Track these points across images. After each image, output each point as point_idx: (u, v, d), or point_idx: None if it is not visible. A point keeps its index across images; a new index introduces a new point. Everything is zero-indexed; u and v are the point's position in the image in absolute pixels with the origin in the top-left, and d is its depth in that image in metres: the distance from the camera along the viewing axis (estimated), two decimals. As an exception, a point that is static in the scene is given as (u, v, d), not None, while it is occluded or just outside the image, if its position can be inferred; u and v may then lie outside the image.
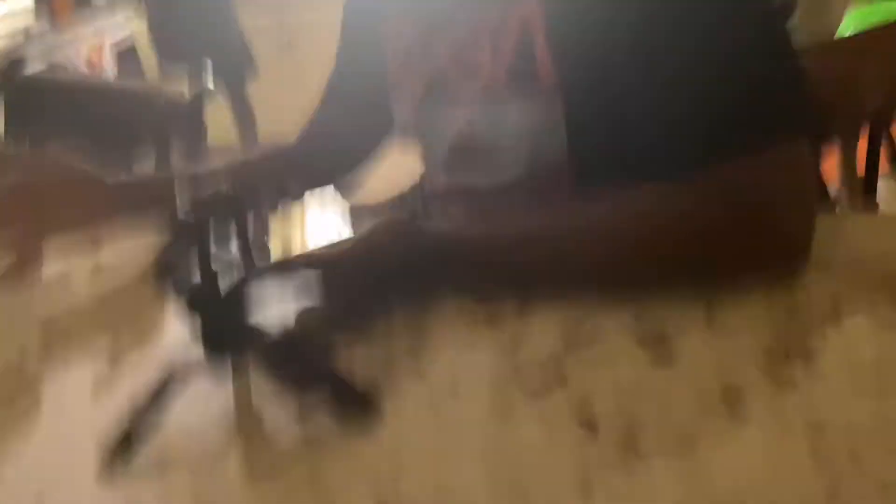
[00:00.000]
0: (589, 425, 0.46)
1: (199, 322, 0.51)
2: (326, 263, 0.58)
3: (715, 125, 0.57)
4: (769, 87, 0.56)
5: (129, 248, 0.78)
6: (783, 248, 0.56)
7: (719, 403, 0.46)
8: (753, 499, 0.40)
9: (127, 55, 3.47)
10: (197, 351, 0.52)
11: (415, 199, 0.93)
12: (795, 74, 0.57)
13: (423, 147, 0.81)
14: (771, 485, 0.40)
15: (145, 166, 1.39)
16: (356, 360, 0.56)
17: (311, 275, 0.56)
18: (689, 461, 0.43)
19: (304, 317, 0.54)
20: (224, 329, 0.50)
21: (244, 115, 3.11)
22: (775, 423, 0.44)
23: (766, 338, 0.51)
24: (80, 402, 0.57)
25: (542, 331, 0.56)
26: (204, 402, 0.54)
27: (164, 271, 0.71)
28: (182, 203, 0.47)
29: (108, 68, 3.25)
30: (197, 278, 0.50)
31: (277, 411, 0.52)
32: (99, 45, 3.23)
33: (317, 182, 0.91)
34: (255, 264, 0.53)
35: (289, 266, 0.59)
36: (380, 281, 0.61)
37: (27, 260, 0.74)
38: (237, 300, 0.50)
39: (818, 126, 0.57)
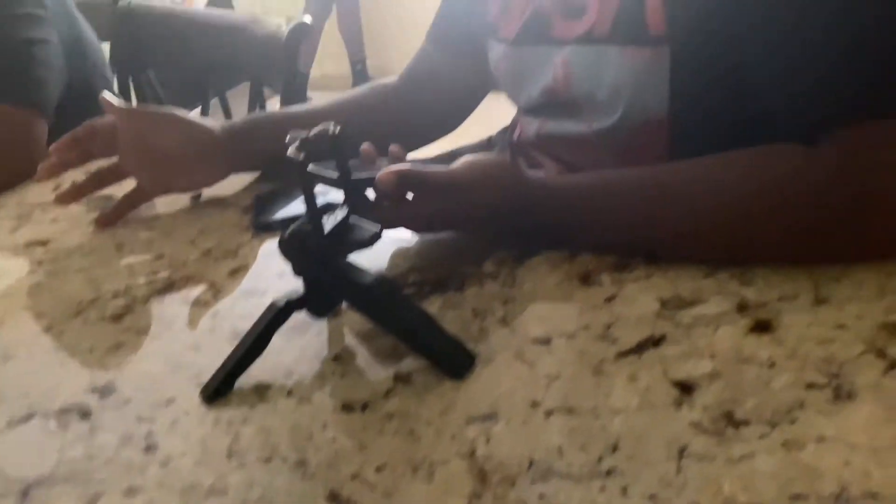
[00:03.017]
0: (683, 388, 0.46)
1: (300, 258, 0.52)
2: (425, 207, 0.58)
3: (855, 83, 0.52)
4: None
5: (227, 185, 0.81)
6: None
7: (821, 377, 0.45)
8: (854, 481, 0.38)
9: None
10: (297, 287, 0.54)
11: (504, 145, 0.92)
12: None
13: (514, 88, 0.79)
14: (873, 467, 0.39)
15: (240, 99, 1.41)
16: (451, 306, 0.57)
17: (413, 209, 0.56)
18: (787, 433, 0.42)
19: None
20: (326, 267, 0.51)
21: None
22: (881, 402, 0.43)
23: (875, 313, 0.49)
24: (184, 326, 0.60)
25: (638, 290, 0.55)
26: (303, 335, 0.56)
27: (267, 208, 0.73)
28: (290, 142, 0.47)
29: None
30: (299, 217, 0.51)
31: (372, 348, 0.53)
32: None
33: (416, 136, 0.91)
34: (358, 205, 0.53)
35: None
36: (476, 225, 0.61)
37: (131, 208, 0.78)
38: (340, 239, 0.50)
39: None
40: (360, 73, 3.98)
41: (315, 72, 3.87)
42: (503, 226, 0.60)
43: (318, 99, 0.92)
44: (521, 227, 0.60)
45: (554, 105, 0.73)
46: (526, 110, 0.80)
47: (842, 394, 0.44)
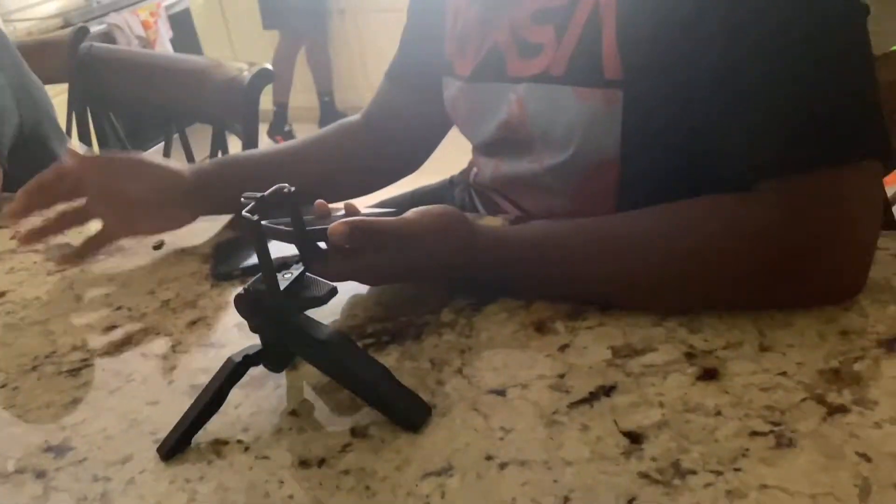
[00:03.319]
0: (633, 438, 0.47)
1: (256, 316, 0.52)
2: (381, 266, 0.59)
3: (800, 131, 0.54)
4: (855, 97, 0.54)
5: (188, 234, 0.81)
6: (847, 267, 0.54)
7: (765, 425, 0.47)
8: (795, 526, 0.40)
9: (181, 18, 3.52)
10: (253, 342, 0.54)
11: (464, 187, 0.93)
12: (874, 88, 0.55)
13: (470, 125, 0.80)
14: (814, 513, 0.40)
15: (202, 134, 1.41)
16: (408, 357, 0.57)
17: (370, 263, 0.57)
18: (732, 482, 0.43)
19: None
20: (281, 324, 0.52)
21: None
22: (820, 449, 0.44)
23: (816, 360, 0.51)
24: (142, 381, 0.60)
25: (591, 338, 0.57)
26: (260, 389, 0.56)
27: (227, 257, 0.74)
28: (245, 202, 0.48)
29: (163, 31, 3.30)
30: (256, 273, 0.51)
31: (330, 402, 0.54)
32: (155, 7, 3.27)
33: (381, 172, 0.92)
34: (313, 259, 0.54)
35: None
36: (429, 276, 0.62)
37: (97, 248, 0.78)
38: (296, 296, 0.51)
39: (891, 143, 0.55)
40: (327, 105, 4.03)
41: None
42: (456, 276, 0.61)
43: (282, 143, 0.93)
44: (474, 278, 0.61)
45: (509, 143, 0.74)
46: (482, 149, 0.81)
47: (783, 441, 0.45)
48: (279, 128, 3.85)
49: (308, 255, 0.53)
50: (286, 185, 0.49)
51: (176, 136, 1.34)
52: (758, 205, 0.55)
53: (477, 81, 0.76)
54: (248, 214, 0.47)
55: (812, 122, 0.54)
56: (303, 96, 4.04)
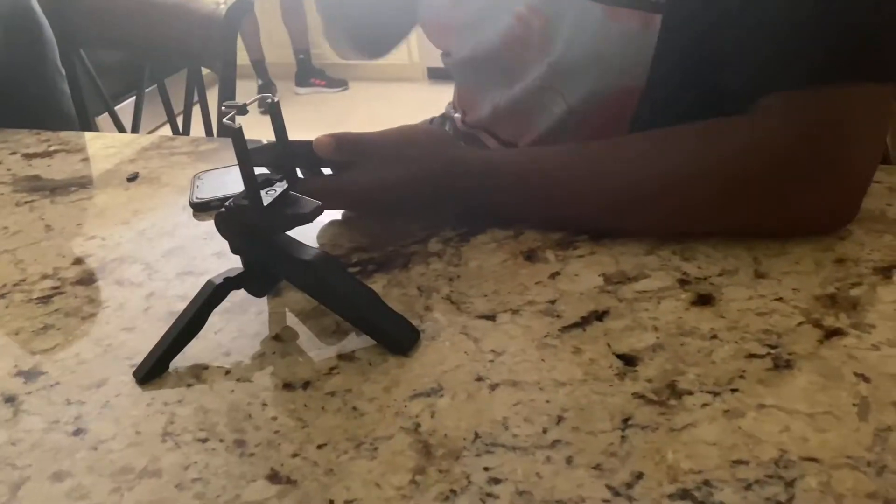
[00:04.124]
0: (627, 360, 0.46)
1: (238, 235, 0.50)
2: (366, 190, 0.56)
3: (812, 46, 0.51)
4: (875, 16, 0.51)
5: (165, 167, 0.78)
6: (843, 190, 0.53)
7: (761, 348, 0.46)
8: (793, 446, 0.39)
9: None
10: (235, 266, 0.52)
11: (447, 126, 0.91)
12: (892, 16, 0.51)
13: (462, 35, 0.73)
14: (814, 433, 0.40)
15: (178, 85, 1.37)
16: (395, 284, 0.56)
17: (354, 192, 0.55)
18: (728, 402, 0.42)
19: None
20: (265, 243, 0.50)
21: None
22: (817, 370, 0.44)
23: (812, 286, 0.50)
24: (117, 308, 0.57)
25: (582, 266, 0.55)
26: (242, 315, 0.54)
27: (205, 187, 0.71)
28: (225, 110, 0.46)
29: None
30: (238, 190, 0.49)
31: (315, 327, 0.52)
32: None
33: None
34: (296, 176, 0.52)
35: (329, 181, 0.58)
36: (420, 204, 0.60)
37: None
38: (279, 213, 0.49)
39: None
40: (303, 62, 3.98)
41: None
42: (441, 196, 0.59)
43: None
44: (463, 201, 0.59)
45: (511, 60, 0.68)
46: (472, 72, 0.75)
47: (780, 363, 0.44)
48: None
49: (291, 171, 0.51)
50: (269, 94, 0.46)
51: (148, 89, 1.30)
52: (760, 118, 0.53)
53: None
54: (229, 122, 0.45)
55: (827, 38, 0.51)
56: (279, 52, 4.01)
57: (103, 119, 1.51)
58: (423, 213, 0.61)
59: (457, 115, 0.86)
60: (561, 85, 0.65)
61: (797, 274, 0.51)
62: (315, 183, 0.52)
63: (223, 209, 0.49)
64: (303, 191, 0.50)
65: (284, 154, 0.49)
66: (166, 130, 1.36)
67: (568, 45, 0.62)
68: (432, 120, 0.97)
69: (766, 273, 0.52)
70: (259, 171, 0.50)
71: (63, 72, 1.11)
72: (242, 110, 0.46)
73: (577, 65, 0.62)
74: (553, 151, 0.59)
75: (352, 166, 0.54)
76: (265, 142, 0.51)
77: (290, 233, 0.51)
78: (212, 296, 0.50)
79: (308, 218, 0.49)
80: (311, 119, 3.60)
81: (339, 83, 3.98)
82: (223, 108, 0.46)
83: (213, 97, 1.23)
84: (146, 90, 1.30)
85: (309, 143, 0.50)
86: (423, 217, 0.62)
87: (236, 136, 0.44)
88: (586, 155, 0.57)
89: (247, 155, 0.45)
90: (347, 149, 0.51)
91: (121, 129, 1.37)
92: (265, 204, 0.48)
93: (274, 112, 0.47)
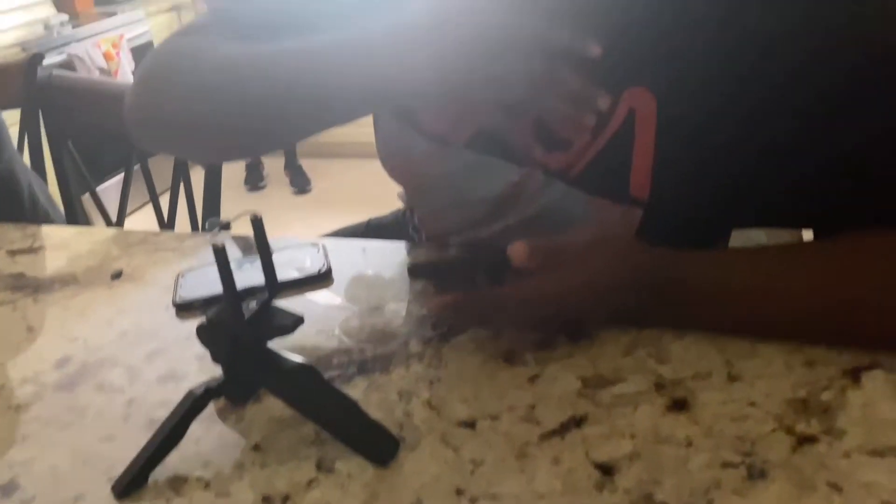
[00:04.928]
0: (605, 470, 0.46)
1: (220, 345, 0.51)
2: None
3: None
4: None
5: (148, 264, 0.79)
6: None
7: (736, 455, 0.46)
8: (769, 558, 0.39)
9: (143, 50, 3.49)
10: (216, 373, 0.53)
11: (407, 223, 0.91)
12: None
13: (458, 185, 0.73)
14: (787, 544, 0.40)
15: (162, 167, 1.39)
16: (375, 388, 0.56)
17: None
18: (705, 514, 0.43)
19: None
20: (246, 354, 0.50)
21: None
22: (790, 479, 0.44)
23: (784, 389, 0.51)
24: (96, 416, 0.57)
25: (560, 369, 0.56)
26: (221, 423, 0.54)
27: (189, 286, 0.72)
28: (210, 227, 0.47)
29: (126, 62, 3.27)
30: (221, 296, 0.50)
31: (294, 436, 0.52)
32: (117, 39, 3.24)
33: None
34: (277, 288, 0.53)
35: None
36: (596, 302, 0.58)
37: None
38: (261, 325, 0.50)
39: None
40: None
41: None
42: (623, 302, 0.57)
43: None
44: (642, 308, 0.57)
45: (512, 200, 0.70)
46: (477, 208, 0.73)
47: (755, 472, 0.45)
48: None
49: (272, 279, 0.52)
50: (254, 211, 0.48)
51: (137, 167, 1.32)
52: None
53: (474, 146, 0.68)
54: (214, 241, 0.46)
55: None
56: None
57: (89, 199, 1.51)
58: (596, 315, 0.59)
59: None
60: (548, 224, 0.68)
61: (769, 377, 0.53)
62: (506, 289, 0.54)
63: (205, 320, 0.50)
64: (492, 298, 0.54)
65: (268, 267, 0.50)
66: (150, 210, 1.37)
67: (556, 208, 0.66)
68: (404, 212, 0.97)
69: (739, 376, 0.53)
70: (242, 280, 0.51)
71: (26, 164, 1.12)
72: (226, 226, 0.47)
73: (564, 214, 0.66)
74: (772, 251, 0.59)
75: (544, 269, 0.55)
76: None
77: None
78: (192, 407, 0.50)
79: (289, 329, 0.50)
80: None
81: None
82: (207, 224, 0.47)
83: (197, 177, 1.25)
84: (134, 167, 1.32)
85: (496, 252, 0.52)
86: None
87: (219, 254, 0.45)
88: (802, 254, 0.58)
89: (229, 272, 0.46)
90: (540, 255, 0.53)
91: (104, 214, 1.38)
92: (246, 316, 0.49)
93: (257, 228, 0.48)
